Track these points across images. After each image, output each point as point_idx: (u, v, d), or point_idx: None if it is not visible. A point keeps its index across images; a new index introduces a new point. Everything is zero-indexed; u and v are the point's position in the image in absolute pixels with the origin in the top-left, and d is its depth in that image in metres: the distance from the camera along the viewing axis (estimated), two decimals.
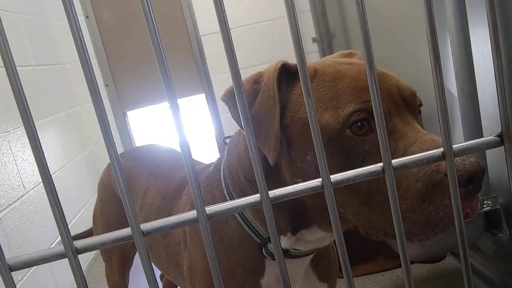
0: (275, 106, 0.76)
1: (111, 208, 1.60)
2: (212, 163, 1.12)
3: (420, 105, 0.81)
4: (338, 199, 0.74)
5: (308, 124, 0.74)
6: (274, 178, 0.84)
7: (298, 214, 0.86)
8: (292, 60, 0.76)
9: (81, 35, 0.35)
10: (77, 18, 0.36)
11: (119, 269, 1.69)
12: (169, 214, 1.19)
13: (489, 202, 1.59)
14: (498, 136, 0.41)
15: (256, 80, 0.82)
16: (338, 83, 0.76)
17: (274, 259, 0.92)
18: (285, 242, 0.91)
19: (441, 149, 0.40)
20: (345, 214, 0.78)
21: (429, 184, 0.65)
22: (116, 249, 1.66)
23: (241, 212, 0.93)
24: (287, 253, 0.93)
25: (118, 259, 1.68)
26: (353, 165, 0.71)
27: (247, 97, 0.79)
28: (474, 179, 0.63)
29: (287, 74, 0.81)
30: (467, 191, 0.63)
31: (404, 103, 0.76)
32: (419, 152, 0.65)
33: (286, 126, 0.79)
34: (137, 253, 1.73)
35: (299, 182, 0.77)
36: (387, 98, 0.74)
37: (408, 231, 0.67)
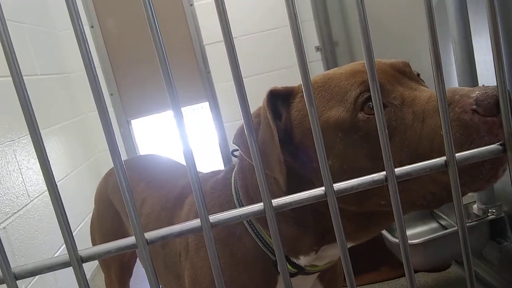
0: (272, 132, 0.77)
1: (108, 218, 1.59)
2: (216, 172, 1.11)
3: (418, 74, 0.81)
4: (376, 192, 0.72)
5: (321, 129, 0.75)
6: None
7: (326, 230, 0.85)
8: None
9: (86, 45, 0.36)
10: (83, 28, 0.36)
11: (118, 280, 1.68)
12: (169, 224, 1.17)
13: (494, 211, 1.58)
14: (500, 145, 0.41)
15: (257, 114, 0.82)
16: (331, 83, 0.76)
17: (290, 277, 0.91)
18: (306, 260, 0.90)
19: (444, 158, 0.40)
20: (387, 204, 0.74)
21: (462, 127, 0.61)
22: (114, 259, 1.65)
23: (256, 230, 0.92)
24: (302, 271, 0.92)
25: (117, 270, 1.67)
26: (379, 147, 0.69)
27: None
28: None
29: (281, 99, 0.82)
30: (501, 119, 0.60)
31: (401, 74, 0.76)
32: (437, 107, 0.64)
33: (299, 144, 0.79)
34: (136, 263, 1.73)
35: None
36: (383, 75, 0.73)
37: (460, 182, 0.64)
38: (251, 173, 0.92)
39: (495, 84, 0.40)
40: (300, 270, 0.92)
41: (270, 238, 0.91)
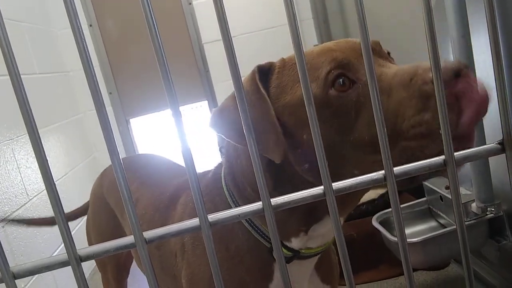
0: (266, 103, 0.79)
1: (103, 218, 1.59)
2: (208, 171, 1.11)
3: (389, 53, 0.84)
4: (345, 156, 0.75)
5: (294, 106, 0.77)
6: (287, 182, 0.84)
7: (310, 210, 0.86)
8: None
9: (84, 44, 0.36)
10: (81, 26, 0.36)
11: (115, 279, 1.68)
12: (163, 225, 1.17)
13: (493, 209, 1.58)
14: (499, 143, 0.41)
15: (234, 96, 0.83)
16: (306, 60, 0.78)
17: (286, 262, 0.92)
18: (298, 242, 0.91)
19: (443, 157, 0.40)
20: (359, 165, 0.76)
21: (423, 97, 0.65)
22: (111, 260, 1.65)
23: (249, 219, 0.93)
24: (298, 254, 0.93)
25: (114, 270, 1.67)
26: (349, 121, 0.73)
27: (234, 114, 0.81)
28: (461, 74, 0.62)
29: (262, 76, 0.84)
30: (458, 79, 0.62)
31: (372, 52, 0.78)
32: (404, 82, 0.67)
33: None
34: (132, 263, 1.73)
35: (307, 168, 0.77)
36: (352, 53, 0.76)
37: (421, 145, 0.66)
38: (236, 161, 0.94)
39: (495, 87, 0.40)
40: (296, 254, 0.92)
41: (263, 224, 0.92)
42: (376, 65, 0.75)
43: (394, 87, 0.69)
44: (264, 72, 0.83)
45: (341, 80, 0.73)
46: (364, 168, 0.75)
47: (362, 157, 0.74)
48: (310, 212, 0.87)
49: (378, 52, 0.80)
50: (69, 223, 0.38)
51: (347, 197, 0.84)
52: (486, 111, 0.64)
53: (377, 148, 0.70)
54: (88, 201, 1.76)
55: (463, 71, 0.62)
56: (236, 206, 0.93)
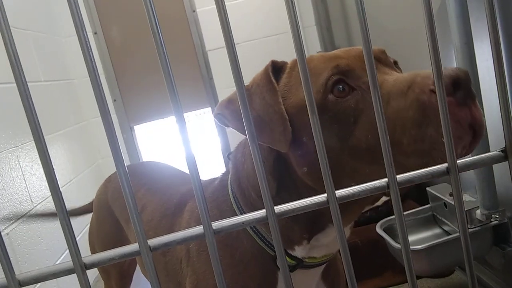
0: (276, 94, 0.80)
1: (107, 225, 1.59)
2: (215, 178, 1.12)
3: (395, 62, 0.83)
4: (342, 165, 0.75)
5: (297, 108, 0.78)
6: (290, 185, 0.85)
7: (314, 217, 0.87)
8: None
9: (90, 52, 0.36)
10: (87, 34, 0.36)
11: (118, 287, 1.68)
12: (170, 231, 1.17)
13: (497, 216, 1.58)
14: (502, 151, 0.41)
15: (247, 89, 0.85)
16: (310, 64, 0.79)
17: (290, 271, 0.92)
18: (301, 251, 0.91)
19: (446, 165, 0.41)
20: (360, 173, 0.76)
21: (421, 108, 0.64)
22: (114, 267, 1.65)
23: (254, 226, 0.93)
24: (301, 264, 0.92)
25: (117, 277, 1.67)
26: (347, 127, 0.73)
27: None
28: (460, 84, 0.60)
29: (274, 73, 0.85)
30: (459, 98, 0.61)
31: (376, 60, 0.78)
32: (403, 89, 0.67)
33: None
34: (136, 269, 1.72)
35: (306, 171, 0.78)
36: (356, 61, 0.76)
37: (420, 163, 0.64)
38: (242, 166, 0.95)
39: (497, 94, 0.40)
40: (299, 263, 0.92)
41: (267, 232, 0.92)
42: (380, 72, 0.75)
43: (393, 95, 0.68)
44: (277, 69, 0.85)
45: (340, 86, 0.74)
46: (360, 180, 0.75)
47: (359, 166, 0.74)
48: (313, 221, 0.87)
49: (384, 61, 0.80)
50: (74, 230, 0.38)
51: (350, 205, 0.84)
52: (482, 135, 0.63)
53: (373, 157, 0.71)
54: (92, 200, 1.76)
55: (463, 81, 0.60)
56: (240, 213, 0.94)
